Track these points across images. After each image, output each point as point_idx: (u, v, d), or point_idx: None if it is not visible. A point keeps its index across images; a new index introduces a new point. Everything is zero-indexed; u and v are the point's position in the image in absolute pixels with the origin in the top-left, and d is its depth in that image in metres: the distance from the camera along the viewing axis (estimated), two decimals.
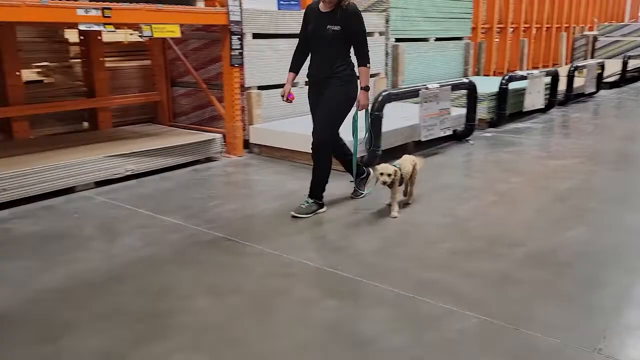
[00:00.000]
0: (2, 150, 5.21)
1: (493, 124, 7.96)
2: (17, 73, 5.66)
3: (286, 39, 6.56)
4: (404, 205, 4.46)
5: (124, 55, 7.27)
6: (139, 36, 6.99)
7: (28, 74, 6.37)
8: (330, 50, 4.09)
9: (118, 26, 6.78)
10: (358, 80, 4.18)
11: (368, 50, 4.10)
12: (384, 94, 5.69)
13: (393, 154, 5.95)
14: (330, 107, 4.13)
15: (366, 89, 4.13)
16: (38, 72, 6.64)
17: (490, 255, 3.55)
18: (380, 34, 7.95)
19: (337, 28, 4.00)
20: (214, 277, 3.27)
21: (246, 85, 6.26)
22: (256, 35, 6.27)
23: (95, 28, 4.78)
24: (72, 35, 6.51)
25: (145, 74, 7.10)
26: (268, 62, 6.43)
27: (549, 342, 2.55)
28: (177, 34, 5.39)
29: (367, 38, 4.16)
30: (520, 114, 8.59)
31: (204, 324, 2.74)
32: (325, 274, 3.31)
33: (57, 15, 4.48)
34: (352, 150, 4.53)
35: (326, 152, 4.26)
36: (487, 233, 3.93)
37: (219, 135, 6.09)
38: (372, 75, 7.86)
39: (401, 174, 4.23)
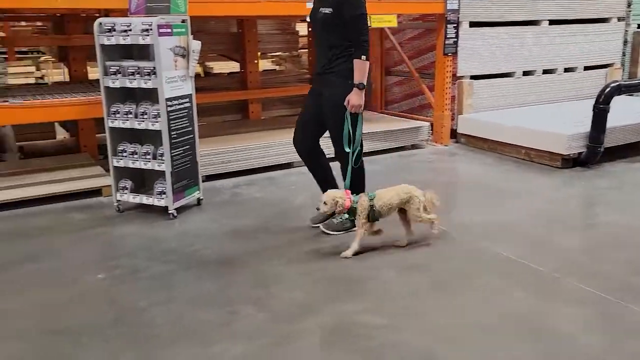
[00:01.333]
0: (239, 127, 6.09)
1: None
2: (256, 61, 6.52)
3: (505, 27, 6.33)
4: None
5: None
6: None
7: (264, 63, 7.29)
8: (325, 38, 3.45)
9: None
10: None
11: (365, 40, 3.32)
12: (612, 84, 5.12)
13: (619, 152, 5.35)
14: (335, 119, 3.47)
15: (360, 86, 3.35)
16: (272, 61, 7.56)
17: None
18: (619, 19, 7.09)
19: (328, 11, 3.36)
20: (405, 253, 3.41)
21: (458, 75, 6.22)
22: (473, 24, 6.16)
23: None
24: (302, 28, 7.23)
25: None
26: (483, 51, 6.28)
27: None
28: (394, 23, 5.62)
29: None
30: None
31: (390, 293, 2.91)
32: (519, 265, 3.19)
33: (289, 8, 5.06)
34: (329, 169, 3.81)
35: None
36: None
37: (426, 124, 6.19)
38: (604, 66, 7.12)
39: (372, 207, 3.33)
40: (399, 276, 3.11)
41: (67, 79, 6.45)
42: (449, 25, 5.88)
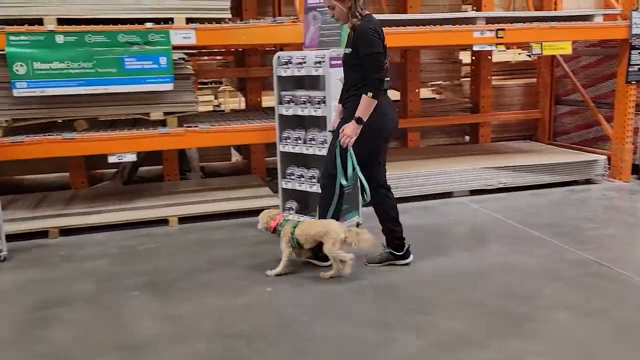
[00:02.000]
0: (397, 155, 6.14)
1: None
2: (417, 90, 6.57)
3: None
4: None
5: (510, 74, 7.52)
6: (527, 55, 7.15)
7: (424, 92, 7.31)
8: (347, 76, 3.54)
9: (508, 46, 7.08)
10: (384, 109, 3.40)
11: (376, 78, 3.30)
12: None
13: None
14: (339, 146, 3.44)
15: (357, 120, 3.32)
16: (432, 90, 7.55)
17: None
18: None
19: (348, 51, 3.46)
20: (578, 296, 3.15)
21: None
22: None
23: (488, 48, 5.17)
24: (465, 56, 7.14)
25: (528, 91, 7.18)
26: None
27: None
28: (568, 50, 5.30)
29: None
30: None
31: (562, 337, 2.70)
32: None
33: (456, 38, 5.04)
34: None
35: (376, 193, 3.53)
36: None
37: (602, 157, 5.68)
38: None
39: (291, 234, 3.47)
40: (575, 319, 2.88)
41: (243, 107, 7.10)
42: (633, 51, 5.38)
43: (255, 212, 4.81)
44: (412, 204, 5.12)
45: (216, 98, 9.83)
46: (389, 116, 3.48)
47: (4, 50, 4.13)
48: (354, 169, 3.42)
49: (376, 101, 3.32)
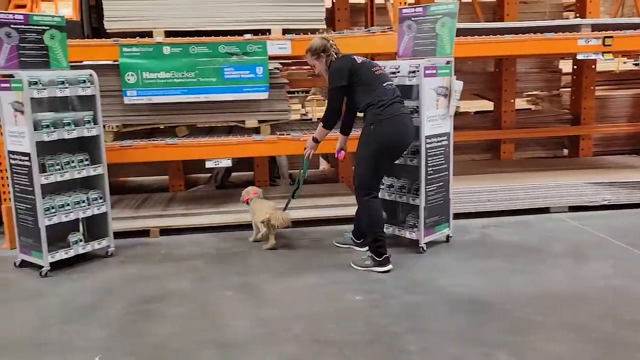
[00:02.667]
0: (490, 167, 5.95)
1: None
2: (512, 101, 6.33)
3: None
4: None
5: (615, 84, 7.05)
6: (634, 63, 6.69)
7: (519, 102, 7.02)
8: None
9: (614, 54, 6.66)
10: (393, 119, 3.74)
11: (328, 109, 3.91)
12: None
13: None
14: (358, 152, 3.89)
15: (313, 139, 4.11)
16: (527, 100, 7.24)
17: None
18: None
19: None
20: None
21: None
22: None
23: (593, 57, 4.89)
24: (565, 65, 6.78)
25: (637, 102, 6.69)
26: None
27: None
28: None
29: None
30: None
31: None
32: None
33: (558, 46, 4.81)
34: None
35: (361, 196, 3.85)
36: None
37: None
38: None
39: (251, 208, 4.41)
40: None
41: None
42: None
43: (342, 220, 4.88)
44: (507, 219, 4.93)
45: (303, 107, 10.02)
46: (389, 133, 3.75)
47: (117, 61, 4.48)
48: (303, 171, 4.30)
49: (326, 130, 3.99)
